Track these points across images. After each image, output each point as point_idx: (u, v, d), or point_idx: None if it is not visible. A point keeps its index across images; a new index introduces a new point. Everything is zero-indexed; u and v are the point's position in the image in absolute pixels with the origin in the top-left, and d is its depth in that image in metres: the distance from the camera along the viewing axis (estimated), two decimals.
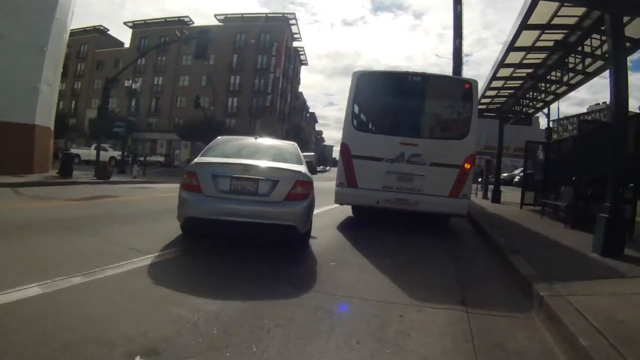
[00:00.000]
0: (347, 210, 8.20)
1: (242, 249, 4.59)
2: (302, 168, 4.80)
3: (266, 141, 5.69)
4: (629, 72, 5.25)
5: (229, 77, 48.32)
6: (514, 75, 10.98)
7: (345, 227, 6.98)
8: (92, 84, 51.56)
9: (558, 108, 34.76)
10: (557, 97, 12.75)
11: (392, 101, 7.09)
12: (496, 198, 14.26)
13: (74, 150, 22.06)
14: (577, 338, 2.34)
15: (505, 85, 12.27)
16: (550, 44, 8.67)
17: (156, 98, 50.29)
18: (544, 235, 6.73)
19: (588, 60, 8.88)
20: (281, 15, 52.15)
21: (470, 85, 6.70)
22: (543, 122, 38.27)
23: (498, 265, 4.83)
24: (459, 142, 6.57)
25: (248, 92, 47.51)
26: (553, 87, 11.85)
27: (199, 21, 57.57)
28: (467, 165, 6.42)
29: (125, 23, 54.84)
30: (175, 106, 49.05)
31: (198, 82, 47.81)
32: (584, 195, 7.51)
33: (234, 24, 50.76)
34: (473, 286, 3.87)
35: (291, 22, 51.45)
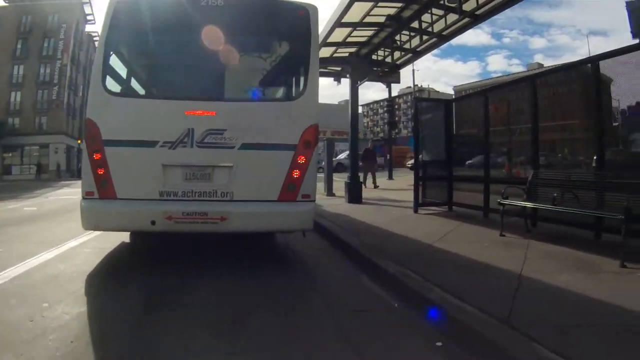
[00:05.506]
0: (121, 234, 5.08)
1: None
2: None
3: None
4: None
5: (12, 68, 39.11)
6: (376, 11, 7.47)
7: (110, 277, 3.92)
8: None
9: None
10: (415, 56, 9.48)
11: (174, 43, 4.34)
12: (356, 196, 9.12)
13: None
14: None
15: (368, 15, 7.70)
16: None
17: None
18: None
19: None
20: None
21: (306, 12, 4.17)
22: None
23: None
24: (290, 106, 4.17)
25: (32, 84, 39.33)
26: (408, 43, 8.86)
27: None
28: (306, 145, 3.99)
29: None
30: None
31: None
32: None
33: (21, 4, 41.32)
34: None
35: (84, 1, 44.70)
